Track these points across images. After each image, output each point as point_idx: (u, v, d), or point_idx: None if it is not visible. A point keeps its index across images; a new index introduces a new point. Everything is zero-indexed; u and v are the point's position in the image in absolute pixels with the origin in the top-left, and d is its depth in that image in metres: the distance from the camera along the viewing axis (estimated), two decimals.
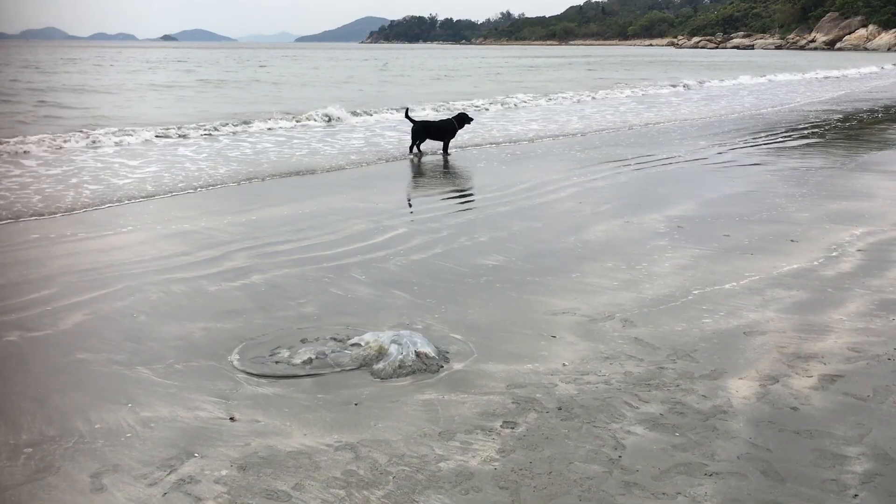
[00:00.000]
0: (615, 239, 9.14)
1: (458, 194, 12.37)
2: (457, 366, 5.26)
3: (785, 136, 19.74)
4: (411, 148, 17.52)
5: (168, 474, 3.95)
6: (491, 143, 19.06)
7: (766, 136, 19.89)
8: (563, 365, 5.26)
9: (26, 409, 4.72)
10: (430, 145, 17.65)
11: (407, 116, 18.15)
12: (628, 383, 4.95)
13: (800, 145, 18.05)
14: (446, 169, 15.53)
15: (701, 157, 16.45)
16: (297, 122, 22.48)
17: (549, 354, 5.47)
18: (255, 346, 5.74)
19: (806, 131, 20.93)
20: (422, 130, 17.53)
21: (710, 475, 3.88)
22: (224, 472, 3.95)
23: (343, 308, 6.61)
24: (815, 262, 7.91)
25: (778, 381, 4.98)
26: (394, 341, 5.41)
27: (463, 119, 17.61)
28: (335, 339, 5.78)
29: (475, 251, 8.58)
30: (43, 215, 10.80)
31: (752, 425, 4.40)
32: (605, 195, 12.14)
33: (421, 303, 6.72)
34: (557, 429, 4.35)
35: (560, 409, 4.58)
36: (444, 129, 17.50)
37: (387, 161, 16.45)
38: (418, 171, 15.23)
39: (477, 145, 18.85)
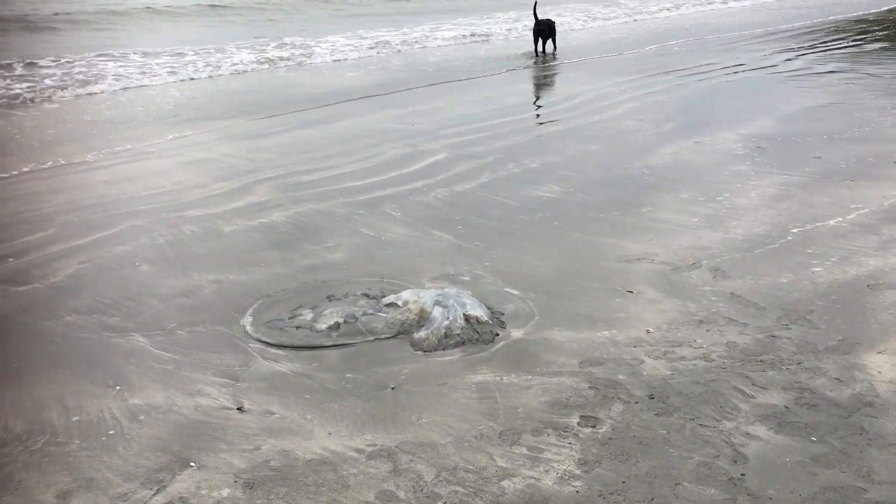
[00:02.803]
0: (687, 164, 7.95)
1: (498, 111, 11.16)
2: (515, 333, 4.28)
3: (857, 40, 17.91)
4: (536, 49, 17.36)
5: (154, 494, 3.07)
6: (529, 52, 17.58)
7: (836, 39, 18.08)
8: (648, 332, 4.24)
9: None
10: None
11: (535, 13, 17.50)
12: (734, 359, 3.92)
13: (875, 49, 16.30)
14: (505, 75, 14.23)
15: (768, 64, 14.88)
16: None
17: (628, 317, 4.45)
18: (272, 304, 4.81)
19: (879, 33, 19.02)
20: (546, 30, 17.30)
21: None
22: (226, 493, 3.06)
23: (376, 254, 5.63)
24: None
25: None
26: (438, 302, 4.43)
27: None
28: (367, 296, 4.82)
29: (526, 181, 7.49)
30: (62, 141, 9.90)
31: None
32: (668, 111, 10.84)
33: (467, 247, 5.70)
34: (652, 428, 3.37)
35: (652, 397, 3.59)
36: (554, 29, 17.40)
37: (403, 71, 15.17)
38: (450, 85, 13.97)
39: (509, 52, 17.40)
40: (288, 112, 11.63)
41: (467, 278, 5.12)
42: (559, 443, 3.29)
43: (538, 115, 10.99)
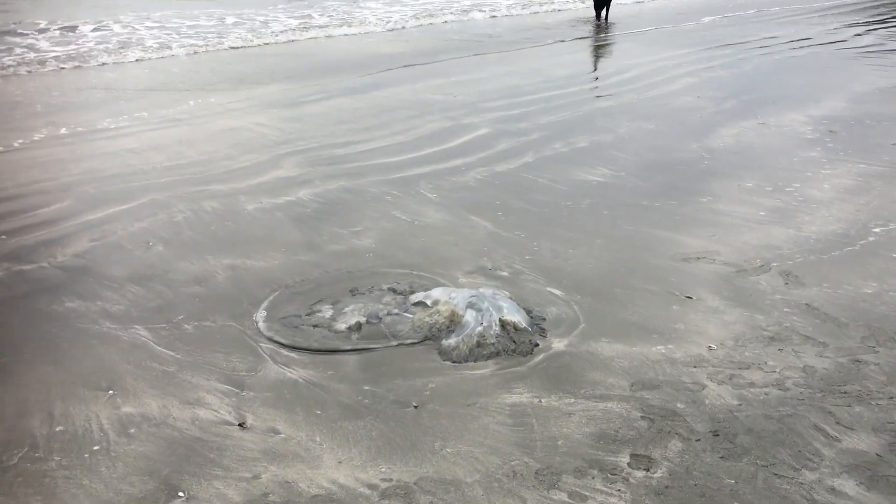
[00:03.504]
0: (750, 147, 7.29)
1: (545, 84, 10.52)
2: (557, 344, 3.77)
3: None
4: (598, 14, 17.27)
5: None
6: (579, 21, 16.79)
7: None
8: (710, 349, 3.70)
9: None
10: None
11: None
12: (813, 389, 3.37)
13: None
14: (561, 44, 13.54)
15: (836, 39, 13.95)
16: None
17: (687, 328, 3.91)
18: (290, 296, 4.37)
19: None
20: None
21: None
22: None
23: (407, 241, 5.15)
24: None
25: None
26: (471, 305, 3.93)
27: None
28: (394, 291, 4.35)
29: (574, 161, 6.91)
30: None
31: None
32: (729, 87, 10.11)
33: (507, 236, 5.19)
34: (717, 475, 2.85)
35: (716, 434, 3.06)
36: None
37: (447, 40, 14.53)
38: (496, 56, 13.31)
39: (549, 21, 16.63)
40: (326, 80, 11.15)
41: (505, 273, 4.62)
42: (606, 488, 2.79)
43: (588, 89, 10.34)
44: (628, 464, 2.90)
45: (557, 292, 4.36)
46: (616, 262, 4.75)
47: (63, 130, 8.29)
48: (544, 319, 4.04)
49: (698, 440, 3.02)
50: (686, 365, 3.56)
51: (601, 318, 4.05)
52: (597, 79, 11.22)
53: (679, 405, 3.24)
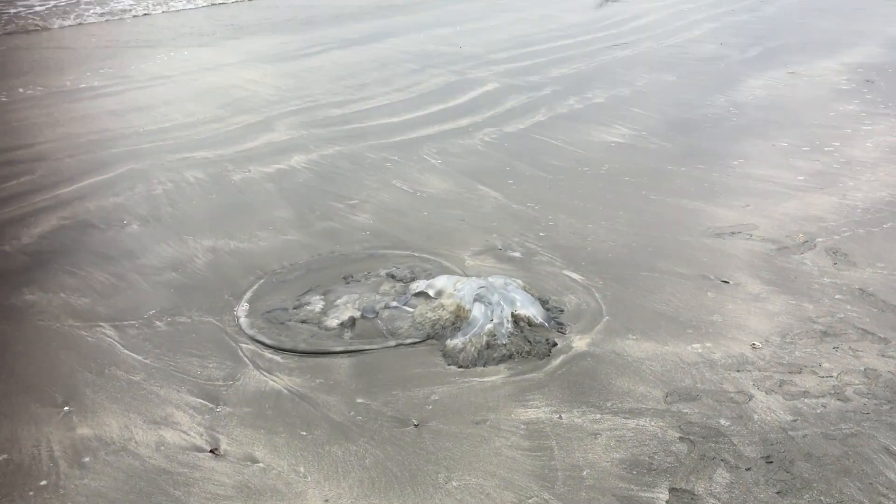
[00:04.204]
0: (781, 100, 6.70)
1: (557, 32, 9.85)
2: (578, 342, 3.29)
3: None
4: None
5: None
6: None
7: None
8: (754, 346, 3.22)
9: None
10: None
11: None
12: (878, 399, 2.89)
13: None
14: None
15: None
16: None
17: (725, 321, 3.41)
18: (277, 285, 3.89)
19: None
20: None
21: None
22: None
23: (408, 216, 4.65)
24: None
25: None
26: (479, 297, 3.45)
27: None
28: (393, 278, 3.87)
29: (590, 120, 6.35)
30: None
31: None
32: (753, 32, 9.43)
33: (518, 209, 4.68)
34: None
35: (770, 460, 2.59)
36: None
37: None
38: (498, 1, 12.58)
39: None
40: (324, 30, 10.51)
41: (517, 254, 4.12)
42: None
43: (603, 37, 9.68)
44: (667, 502, 2.44)
45: (576, 276, 3.86)
46: (640, 239, 4.24)
47: (39, 90, 7.76)
48: (562, 311, 3.55)
49: (748, 469, 2.56)
50: (728, 368, 3.08)
51: (626, 308, 3.56)
52: (611, 25, 10.53)
53: (723, 422, 2.77)
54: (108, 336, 3.50)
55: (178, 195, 5.10)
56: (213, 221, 4.68)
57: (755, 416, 2.80)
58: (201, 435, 2.83)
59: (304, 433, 2.83)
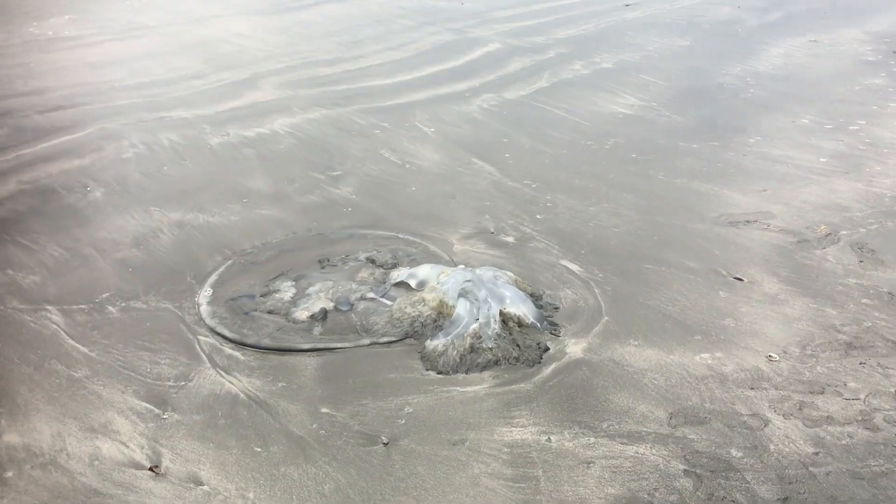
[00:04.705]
0: (802, 71, 6.26)
1: None
2: (573, 347, 2.94)
3: None
4: None
5: None
6: None
7: None
8: (770, 359, 2.87)
9: None
10: None
11: None
12: None
13: None
14: None
15: None
16: None
17: (739, 326, 3.06)
18: (245, 268, 3.53)
19: None
20: None
21: None
22: None
23: (394, 191, 4.27)
24: None
25: None
26: (465, 292, 3.09)
27: None
28: (373, 263, 3.51)
29: (597, 87, 5.92)
30: None
31: None
32: None
33: (514, 187, 4.30)
34: None
35: None
36: None
37: None
38: None
39: None
40: None
41: (511, 239, 3.76)
42: None
43: None
44: None
45: (574, 267, 3.50)
46: (646, 226, 3.87)
47: (11, 39, 7.30)
48: (557, 309, 3.20)
49: None
50: (740, 385, 2.73)
51: (629, 307, 3.20)
52: None
53: (734, 452, 2.43)
54: (54, 322, 3.15)
55: (148, 160, 4.72)
56: (183, 191, 4.30)
57: (771, 447, 2.46)
58: (142, 448, 2.50)
59: (259, 449, 2.49)
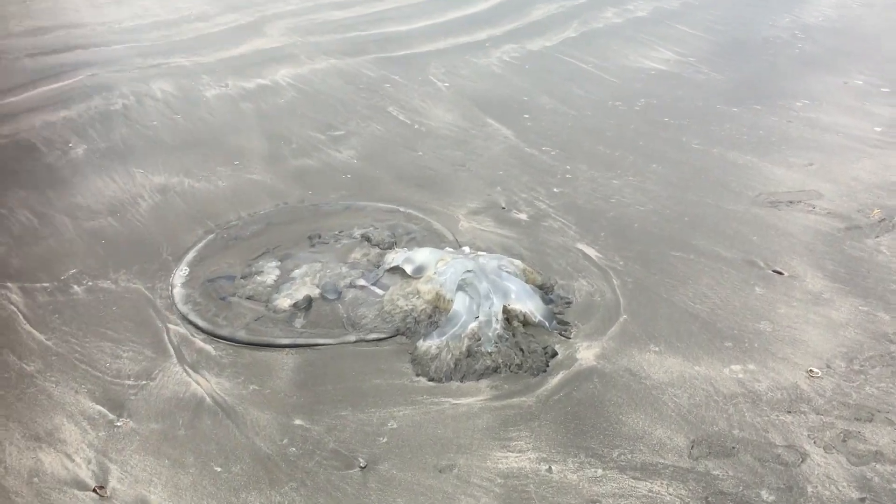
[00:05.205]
0: (856, 25, 5.68)
1: None
2: (584, 352, 2.59)
3: None
4: None
5: None
6: None
7: None
8: (811, 374, 2.49)
9: None
10: None
11: None
12: None
13: None
14: None
15: None
16: None
17: (776, 332, 2.68)
18: (226, 244, 3.21)
19: None
20: None
21: None
22: None
23: (400, 155, 3.89)
24: None
25: None
26: (465, 284, 2.73)
27: None
28: (368, 241, 3.17)
29: (629, 37, 5.43)
30: None
31: None
32: None
33: (531, 154, 3.89)
34: None
35: None
36: None
37: None
38: None
39: None
40: None
41: (523, 217, 3.38)
42: None
43: None
44: None
45: (592, 252, 3.12)
46: (676, 205, 3.46)
47: None
48: (569, 304, 2.84)
49: None
50: (776, 408, 2.37)
51: (651, 303, 2.83)
52: None
53: (765, 495, 2.08)
54: (13, 303, 2.86)
55: (138, 113, 4.37)
56: (170, 151, 3.96)
57: (809, 489, 2.10)
58: (89, 463, 2.21)
59: (219, 469, 2.19)
